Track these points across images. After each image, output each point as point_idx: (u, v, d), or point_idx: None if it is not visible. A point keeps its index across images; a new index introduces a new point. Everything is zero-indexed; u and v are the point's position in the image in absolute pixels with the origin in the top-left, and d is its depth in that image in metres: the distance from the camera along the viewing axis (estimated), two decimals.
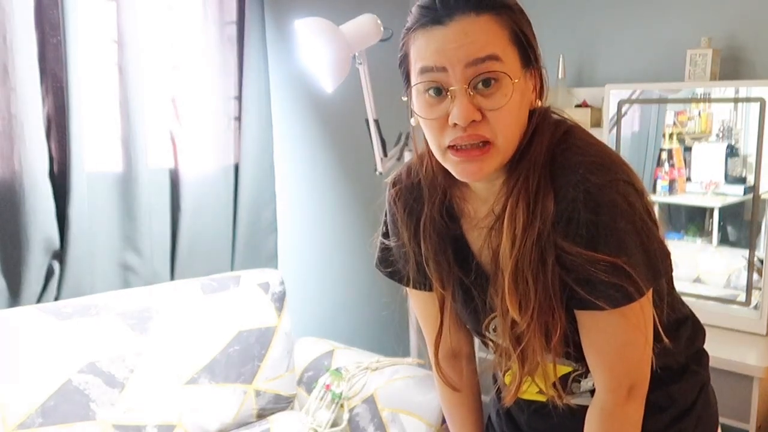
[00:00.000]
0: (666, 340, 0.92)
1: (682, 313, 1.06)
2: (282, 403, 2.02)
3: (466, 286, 1.01)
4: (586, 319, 0.90)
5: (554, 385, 0.97)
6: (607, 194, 0.82)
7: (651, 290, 0.88)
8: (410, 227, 1.01)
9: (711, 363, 1.84)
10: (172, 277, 2.02)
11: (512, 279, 0.87)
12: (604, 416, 0.95)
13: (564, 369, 1.00)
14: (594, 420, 0.96)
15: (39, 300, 1.74)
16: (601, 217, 0.82)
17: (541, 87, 0.90)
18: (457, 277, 1.01)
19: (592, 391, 0.99)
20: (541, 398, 1.05)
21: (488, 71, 0.82)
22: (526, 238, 0.86)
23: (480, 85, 0.83)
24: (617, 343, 0.90)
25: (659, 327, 0.92)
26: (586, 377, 1.00)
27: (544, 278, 0.86)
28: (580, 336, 0.92)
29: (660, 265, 0.87)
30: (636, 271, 0.83)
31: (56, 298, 1.77)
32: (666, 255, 0.89)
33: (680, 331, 1.04)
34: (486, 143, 0.84)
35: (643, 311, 0.87)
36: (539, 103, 0.90)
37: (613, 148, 2.22)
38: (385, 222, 1.08)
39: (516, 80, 0.83)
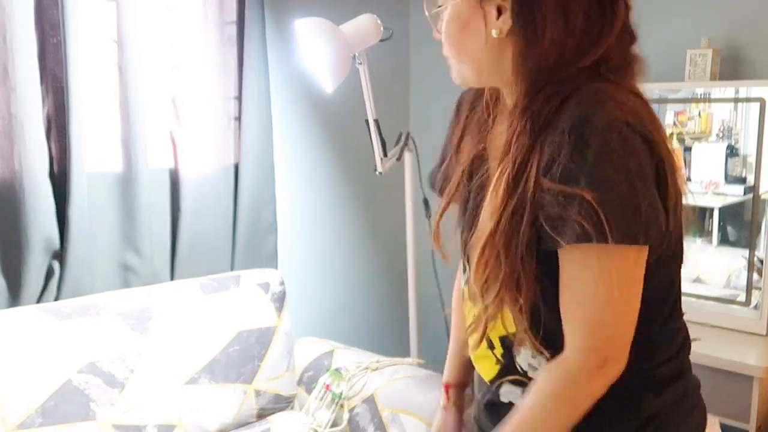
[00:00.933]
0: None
1: (678, 324, 0.98)
2: (282, 403, 2.02)
3: (467, 197, 1.02)
4: (560, 268, 0.86)
5: (503, 341, 0.95)
6: (601, 135, 0.78)
7: (630, 255, 0.82)
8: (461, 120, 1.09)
9: (711, 363, 1.83)
10: (172, 277, 2.02)
11: (481, 254, 0.88)
12: (560, 374, 0.87)
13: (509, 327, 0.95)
14: (548, 375, 0.89)
15: (39, 300, 1.74)
16: (587, 152, 0.78)
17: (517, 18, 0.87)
18: (466, 181, 1.03)
19: (524, 384, 0.96)
20: (490, 370, 1.02)
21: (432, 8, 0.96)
22: (502, 214, 0.85)
23: None
24: (582, 297, 0.84)
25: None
26: (525, 347, 0.94)
27: (515, 252, 0.85)
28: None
29: (640, 227, 0.79)
30: (605, 212, 0.77)
31: (56, 298, 1.77)
32: (654, 222, 0.81)
33: (666, 345, 0.95)
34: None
35: (601, 261, 0.81)
36: (500, 32, 0.88)
37: None
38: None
39: (443, 6, 0.93)
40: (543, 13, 0.85)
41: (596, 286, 0.83)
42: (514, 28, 0.87)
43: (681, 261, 0.95)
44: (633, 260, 0.83)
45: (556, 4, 0.85)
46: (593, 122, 0.79)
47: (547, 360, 0.92)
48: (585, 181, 0.78)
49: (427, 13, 0.98)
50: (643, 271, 0.85)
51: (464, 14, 0.90)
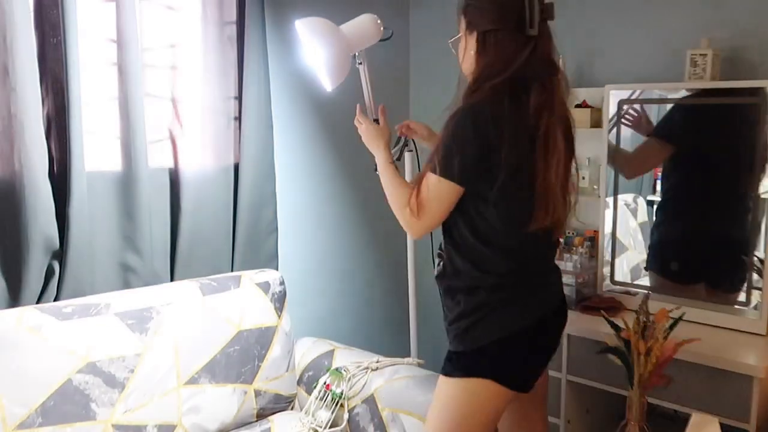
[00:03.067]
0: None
1: (486, 242, 1.43)
2: (282, 403, 2.03)
3: None
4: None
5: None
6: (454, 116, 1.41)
7: (442, 178, 1.39)
8: None
9: (711, 363, 1.84)
10: (172, 277, 2.02)
11: None
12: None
13: None
14: None
15: (39, 300, 1.74)
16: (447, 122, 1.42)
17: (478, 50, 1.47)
18: None
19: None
20: None
21: None
22: None
23: None
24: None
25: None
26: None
27: None
28: None
29: (445, 167, 1.39)
30: (437, 155, 1.40)
31: (56, 298, 1.77)
32: (455, 165, 1.38)
33: (475, 254, 1.45)
34: None
35: (428, 183, 1.43)
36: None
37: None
38: None
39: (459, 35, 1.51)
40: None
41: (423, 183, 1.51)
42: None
43: None
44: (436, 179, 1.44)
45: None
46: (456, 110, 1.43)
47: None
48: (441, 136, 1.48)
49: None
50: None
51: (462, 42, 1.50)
